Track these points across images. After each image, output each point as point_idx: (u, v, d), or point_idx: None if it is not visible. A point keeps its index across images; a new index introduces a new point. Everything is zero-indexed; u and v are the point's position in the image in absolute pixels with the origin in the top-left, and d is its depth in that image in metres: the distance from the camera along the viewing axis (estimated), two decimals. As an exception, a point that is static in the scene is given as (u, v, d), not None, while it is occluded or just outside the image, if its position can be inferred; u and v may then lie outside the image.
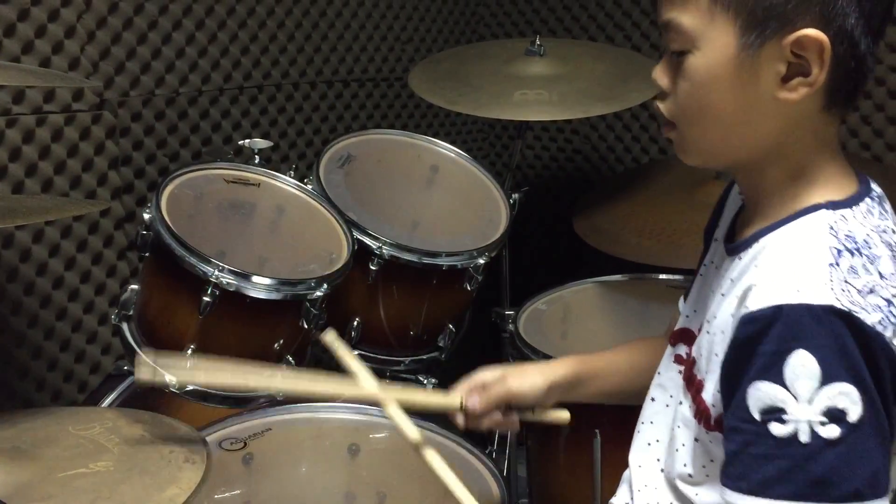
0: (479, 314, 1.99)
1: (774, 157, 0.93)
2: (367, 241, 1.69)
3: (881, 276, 0.86)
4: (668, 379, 1.09)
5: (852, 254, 0.86)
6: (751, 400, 0.84)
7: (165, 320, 1.54)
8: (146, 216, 1.52)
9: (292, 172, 1.78)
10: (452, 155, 1.98)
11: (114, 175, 1.90)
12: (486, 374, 1.20)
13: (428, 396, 1.26)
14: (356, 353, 1.30)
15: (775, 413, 0.82)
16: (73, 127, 1.82)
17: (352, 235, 1.67)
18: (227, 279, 1.45)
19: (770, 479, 0.83)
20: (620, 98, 1.94)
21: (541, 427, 1.71)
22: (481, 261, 1.76)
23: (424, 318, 1.81)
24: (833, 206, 0.90)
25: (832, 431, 0.80)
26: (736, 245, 0.98)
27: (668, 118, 0.97)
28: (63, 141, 1.80)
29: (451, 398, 1.20)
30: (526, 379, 1.20)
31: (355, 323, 1.75)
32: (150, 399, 1.63)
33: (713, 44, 0.90)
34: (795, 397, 0.81)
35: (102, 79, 1.86)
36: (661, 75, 0.97)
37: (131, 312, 1.59)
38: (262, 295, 1.49)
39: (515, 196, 2.00)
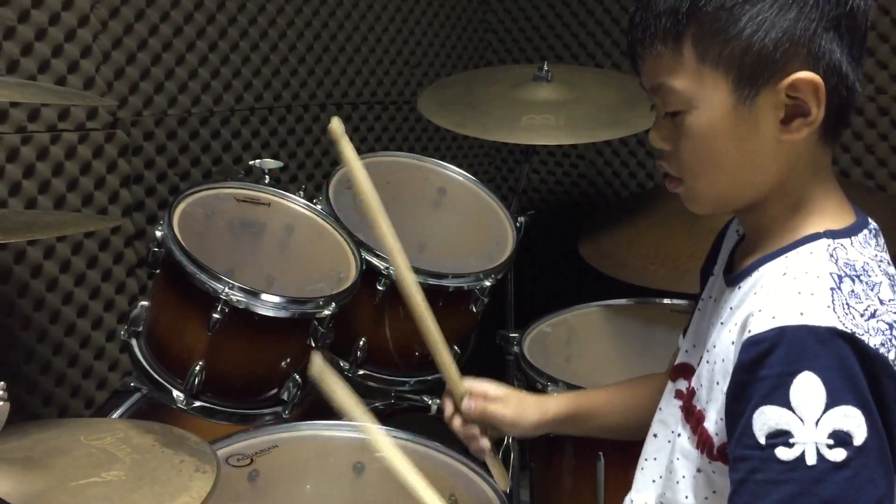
0: (484, 336, 2.00)
1: (777, 194, 0.95)
2: (375, 261, 1.70)
3: (881, 301, 0.87)
4: (669, 415, 1.09)
5: (853, 280, 0.87)
6: (756, 425, 0.83)
7: (175, 337, 1.56)
8: (158, 233, 1.54)
9: (301, 193, 1.80)
10: (460, 178, 2.00)
11: (125, 193, 1.92)
12: (491, 389, 1.24)
13: (449, 362, 1.26)
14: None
15: (782, 437, 0.81)
16: (87, 145, 1.84)
17: (360, 255, 1.68)
18: (236, 297, 1.47)
19: None
20: (626, 123, 1.96)
21: (545, 452, 1.73)
22: (487, 283, 1.78)
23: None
24: (832, 235, 0.92)
25: (838, 455, 0.80)
26: (735, 276, 0.99)
27: (674, 175, 0.99)
28: (76, 159, 1.83)
29: (459, 384, 1.24)
30: (522, 411, 1.24)
31: (361, 343, 1.76)
32: (157, 416, 1.64)
33: (709, 101, 0.92)
34: (802, 420, 0.81)
35: (116, 98, 1.89)
36: (657, 138, 0.98)
37: (140, 328, 1.60)
38: (270, 313, 1.51)
39: (521, 219, 2.02)
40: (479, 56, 2.78)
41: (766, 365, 0.84)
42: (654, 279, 1.91)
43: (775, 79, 0.89)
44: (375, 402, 1.84)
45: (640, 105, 2.00)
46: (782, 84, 0.89)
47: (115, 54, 1.87)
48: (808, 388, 0.81)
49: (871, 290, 0.88)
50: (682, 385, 1.07)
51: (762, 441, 0.83)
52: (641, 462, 1.13)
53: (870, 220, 0.98)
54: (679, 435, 1.02)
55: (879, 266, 0.91)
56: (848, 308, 0.85)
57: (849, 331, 0.83)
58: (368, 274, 1.69)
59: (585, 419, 1.26)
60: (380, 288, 1.70)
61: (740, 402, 0.87)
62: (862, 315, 0.84)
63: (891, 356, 0.84)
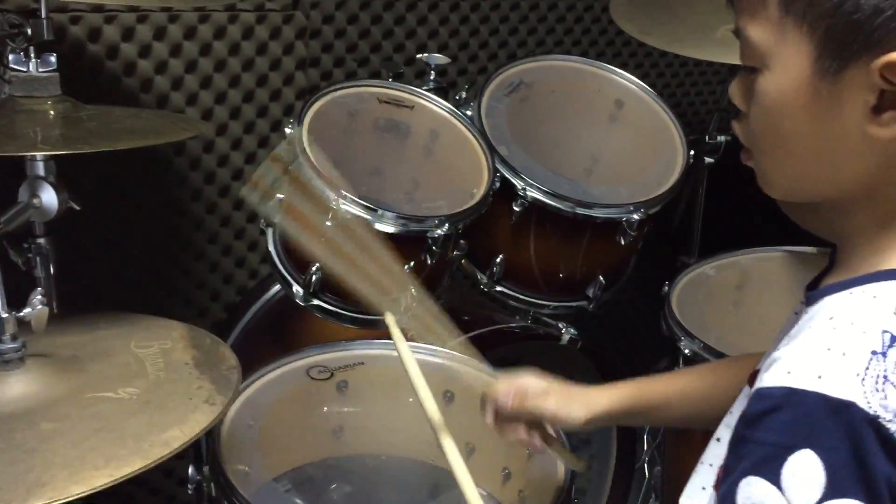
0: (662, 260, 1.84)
1: (864, 202, 0.75)
2: (514, 180, 1.60)
3: None
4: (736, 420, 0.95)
5: None
6: (740, 495, 0.69)
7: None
8: (287, 130, 1.53)
9: (465, 92, 1.72)
10: (638, 90, 1.80)
11: (300, 76, 1.93)
12: (531, 382, 1.13)
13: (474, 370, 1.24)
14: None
15: None
16: (264, 26, 1.85)
17: (495, 173, 1.58)
18: (346, 207, 1.43)
19: None
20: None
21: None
22: (636, 217, 1.61)
23: (570, 265, 1.70)
24: None
25: None
26: (811, 295, 0.80)
27: (743, 143, 0.81)
28: (253, 39, 1.84)
29: (491, 379, 1.15)
30: (566, 406, 1.11)
31: (499, 259, 1.69)
32: (287, 311, 1.69)
33: (785, 64, 0.74)
34: None
35: (298, -22, 1.86)
36: (735, 93, 0.80)
37: (275, 220, 1.63)
38: (385, 228, 1.47)
39: (722, 138, 1.81)
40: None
41: (766, 427, 0.69)
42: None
43: (869, 54, 0.68)
44: (512, 323, 1.77)
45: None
46: (878, 63, 0.68)
47: (297, -67, 1.84)
48: (805, 469, 0.66)
49: None
50: None
51: None
52: (698, 466, 0.99)
53: None
54: None
55: None
56: (884, 382, 0.66)
57: (872, 412, 0.65)
58: (505, 192, 1.60)
59: (650, 411, 1.12)
60: (516, 209, 1.60)
61: (734, 458, 0.72)
62: None
63: None
